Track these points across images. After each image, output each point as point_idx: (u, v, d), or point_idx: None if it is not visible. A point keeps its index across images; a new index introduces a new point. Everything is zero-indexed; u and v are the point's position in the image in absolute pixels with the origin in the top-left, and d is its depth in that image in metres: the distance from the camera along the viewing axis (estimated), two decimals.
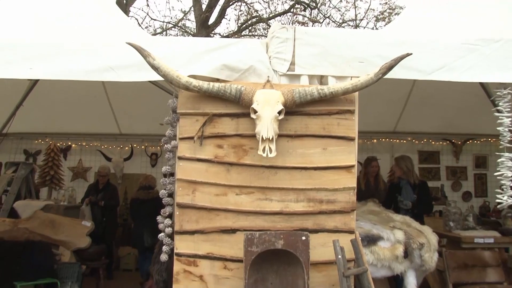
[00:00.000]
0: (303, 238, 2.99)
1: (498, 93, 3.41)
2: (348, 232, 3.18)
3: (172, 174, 3.28)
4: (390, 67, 3.09)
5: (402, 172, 5.77)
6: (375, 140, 7.89)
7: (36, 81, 6.82)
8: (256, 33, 15.21)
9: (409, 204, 5.51)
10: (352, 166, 3.23)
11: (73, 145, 8.90)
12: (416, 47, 3.23)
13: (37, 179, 7.11)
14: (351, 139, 3.24)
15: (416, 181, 5.75)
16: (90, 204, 7.11)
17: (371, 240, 3.64)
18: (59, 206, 6.31)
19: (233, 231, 3.11)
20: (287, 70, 3.32)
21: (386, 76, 3.13)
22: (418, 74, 3.31)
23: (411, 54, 3.09)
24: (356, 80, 3.14)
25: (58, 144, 7.78)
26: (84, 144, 8.90)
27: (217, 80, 3.19)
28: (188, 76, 3.09)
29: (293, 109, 3.15)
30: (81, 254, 5.82)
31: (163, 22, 15.74)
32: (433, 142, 8.08)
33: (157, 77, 3.11)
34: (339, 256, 2.93)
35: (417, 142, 7.99)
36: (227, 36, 14.41)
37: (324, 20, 14.88)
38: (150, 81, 3.63)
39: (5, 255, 4.99)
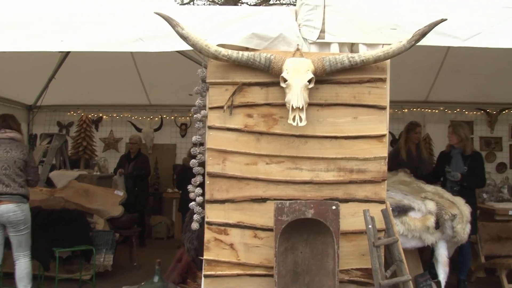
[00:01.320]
0: (333, 207, 2.99)
1: None
2: (378, 202, 3.16)
3: (202, 144, 3.30)
4: (423, 34, 2.99)
5: (459, 140, 5.17)
6: (405, 110, 7.74)
7: (67, 53, 6.92)
8: (284, 1, 14.94)
9: (457, 176, 4.95)
10: (383, 136, 3.19)
11: (104, 117, 9.06)
12: (452, 12, 3.11)
13: (70, 150, 7.27)
14: (383, 108, 3.19)
15: (470, 151, 5.19)
16: (122, 174, 7.26)
17: (401, 210, 3.61)
18: (92, 176, 6.46)
19: (263, 200, 3.13)
20: (317, 38, 3.27)
21: (419, 43, 3.05)
22: (453, 41, 3.21)
23: (446, 19, 2.99)
24: (388, 47, 3.07)
25: (90, 115, 7.91)
26: (115, 115, 9.04)
27: (246, 49, 3.16)
28: (217, 45, 3.07)
29: (323, 77, 3.11)
30: (114, 222, 5.97)
31: None
32: (466, 112, 7.87)
33: (186, 47, 3.11)
34: (369, 226, 2.93)
35: (449, 111, 7.80)
36: (255, 5, 14.21)
37: None
38: (178, 51, 3.63)
39: (43, 222, 5.18)
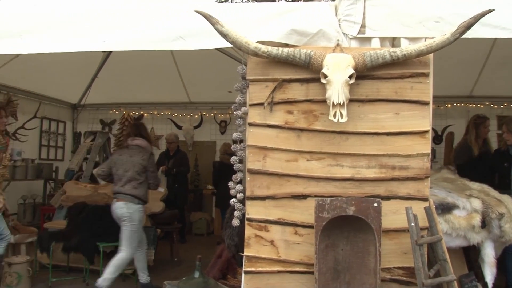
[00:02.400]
0: (375, 204, 2.95)
1: None
2: (421, 199, 3.09)
3: (242, 141, 3.31)
4: (469, 26, 2.90)
5: None
6: (449, 105, 7.55)
7: (109, 53, 7.09)
8: None
9: None
10: (426, 132, 3.11)
11: (145, 114, 9.24)
12: (499, 2, 3.00)
13: (113, 147, 7.45)
14: (425, 103, 3.11)
15: None
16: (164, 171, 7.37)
17: (445, 208, 3.51)
18: None
19: (304, 197, 3.12)
20: (358, 33, 3.22)
21: (464, 36, 2.95)
22: (501, 32, 3.09)
23: (493, 10, 2.88)
24: (431, 41, 2.99)
25: (131, 113, 8.08)
26: (155, 113, 9.22)
27: (286, 45, 3.15)
28: (257, 42, 3.07)
29: (364, 73, 3.06)
30: (156, 218, 6.08)
31: None
32: None
33: (225, 44, 3.12)
34: (412, 224, 2.87)
35: (496, 106, 7.53)
36: (293, 1, 14.14)
37: None
38: (217, 49, 3.65)
39: (88, 217, 5.33)
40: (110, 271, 4.59)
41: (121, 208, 4.68)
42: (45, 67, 6.70)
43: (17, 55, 5.81)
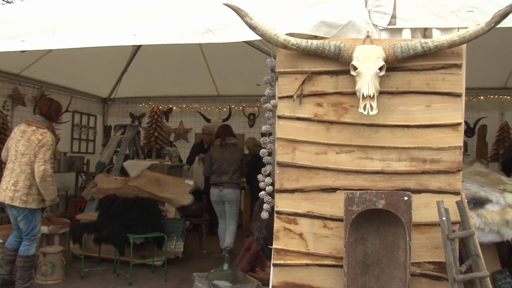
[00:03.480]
0: (405, 198, 2.91)
1: None
2: (453, 193, 3.04)
3: (271, 134, 3.31)
4: (505, 14, 2.81)
5: None
6: (482, 97, 7.38)
7: (139, 47, 7.17)
8: None
9: None
10: (459, 124, 3.05)
11: (174, 108, 9.35)
12: None
13: (143, 140, 7.55)
14: (458, 95, 3.05)
15: None
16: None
17: (478, 202, 3.45)
18: (163, 166, 6.66)
19: (333, 190, 3.10)
20: (388, 24, 3.17)
21: (499, 25, 2.86)
22: None
23: None
24: (464, 31, 2.92)
25: (160, 106, 8.16)
26: (184, 106, 9.30)
27: (315, 37, 3.12)
28: (286, 34, 3.05)
29: (394, 64, 3.02)
30: (185, 211, 6.14)
31: None
32: None
33: (254, 37, 3.12)
34: (443, 218, 2.81)
35: None
36: None
37: None
38: (245, 42, 3.65)
39: (119, 209, 5.42)
40: (230, 240, 5.94)
41: (230, 194, 5.92)
42: (76, 62, 6.84)
43: (50, 51, 5.95)
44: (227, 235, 6.03)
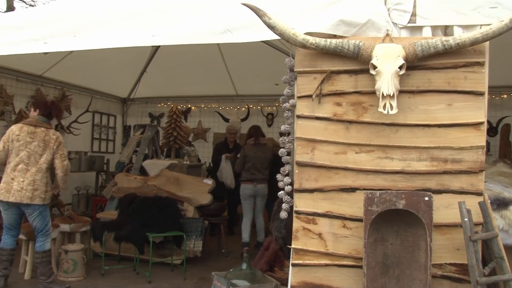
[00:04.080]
0: (426, 198, 2.87)
1: None
2: (475, 194, 2.99)
3: (289, 133, 3.30)
4: None
5: None
6: (505, 95, 7.22)
7: (157, 47, 7.23)
8: None
9: None
10: (481, 123, 3.00)
11: (193, 108, 9.39)
12: None
13: (162, 140, 7.59)
14: (480, 94, 3.00)
15: None
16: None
17: (501, 203, 3.38)
18: (182, 165, 6.69)
19: (352, 189, 3.08)
20: (408, 22, 3.14)
21: None
22: None
23: None
24: (487, 28, 2.87)
25: (179, 106, 8.20)
26: (202, 106, 9.34)
27: (334, 36, 3.11)
28: (304, 33, 3.04)
29: (415, 63, 2.98)
30: (203, 210, 6.17)
31: None
32: None
33: (273, 36, 3.11)
34: (466, 219, 2.77)
35: None
36: None
37: None
38: (264, 41, 3.65)
39: (138, 208, 5.47)
40: (262, 235, 6.35)
41: (263, 189, 6.42)
42: (96, 63, 6.92)
43: (70, 52, 6.02)
44: (259, 230, 6.50)
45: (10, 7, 14.64)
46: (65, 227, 5.36)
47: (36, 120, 4.65)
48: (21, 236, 4.94)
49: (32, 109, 4.80)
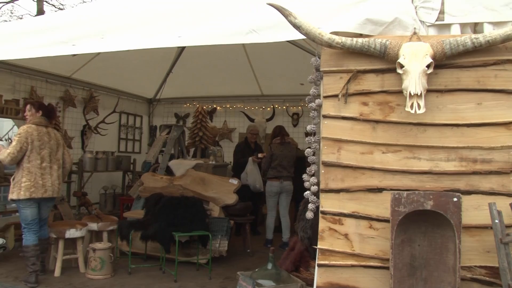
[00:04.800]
0: (455, 199, 2.82)
1: None
2: (506, 195, 2.93)
3: (315, 133, 3.29)
4: None
5: None
6: None
7: (183, 48, 7.28)
8: None
9: None
10: None
11: (218, 108, 9.42)
12: None
13: (187, 140, 7.64)
14: (511, 92, 2.93)
15: None
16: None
17: None
18: (208, 165, 6.72)
19: (379, 190, 3.05)
20: (436, 20, 3.11)
21: None
22: None
23: None
24: None
25: (205, 107, 8.25)
26: (228, 106, 9.36)
27: (360, 35, 3.08)
28: (330, 32, 3.03)
29: (443, 61, 2.94)
30: (229, 210, 6.18)
31: None
32: None
33: (299, 36, 3.11)
34: (496, 221, 2.72)
35: None
36: None
37: None
38: (289, 41, 3.64)
39: (164, 208, 5.52)
40: (288, 234, 6.58)
41: (289, 185, 6.70)
42: (123, 64, 7.01)
43: (98, 54, 6.13)
44: (285, 228, 6.71)
45: (40, 11, 14.98)
46: (93, 225, 5.46)
47: (44, 121, 4.87)
48: (51, 234, 5.06)
49: (33, 110, 4.87)
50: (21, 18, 15.99)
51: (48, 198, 4.81)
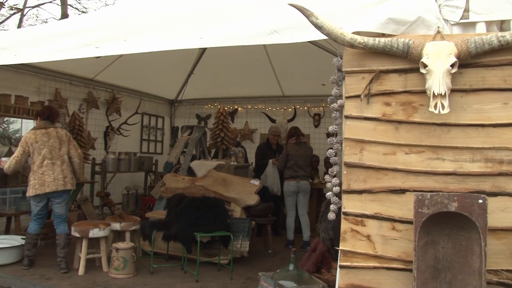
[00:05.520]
0: (480, 201, 2.76)
1: None
2: None
3: (337, 134, 3.27)
4: None
5: None
6: None
7: (204, 50, 7.32)
8: None
9: None
10: None
11: (239, 108, 9.45)
12: None
13: (209, 141, 7.68)
14: None
15: None
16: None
17: None
18: (229, 166, 6.73)
19: (402, 191, 3.00)
20: (460, 18, 3.04)
21: None
22: None
23: None
24: None
25: (226, 107, 8.29)
26: (249, 107, 9.38)
27: (383, 35, 3.05)
28: (352, 32, 3.00)
29: (468, 61, 2.88)
30: (250, 210, 6.18)
31: None
32: None
33: (320, 36, 3.08)
34: None
35: None
36: None
37: None
38: (310, 41, 3.63)
39: (186, 208, 5.55)
40: (308, 233, 6.73)
41: (306, 185, 6.88)
42: (145, 66, 7.09)
43: (120, 56, 6.20)
44: (304, 228, 6.78)
45: (64, 15, 15.27)
46: (116, 225, 5.52)
47: (43, 124, 5.30)
48: (74, 233, 5.16)
49: (36, 120, 5.45)
50: (46, 22, 16.33)
51: (54, 194, 5.13)
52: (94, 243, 5.31)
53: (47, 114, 5.40)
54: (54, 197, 5.19)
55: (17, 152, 5.18)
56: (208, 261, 5.59)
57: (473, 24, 3.04)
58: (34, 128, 5.31)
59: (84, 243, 5.11)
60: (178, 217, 5.53)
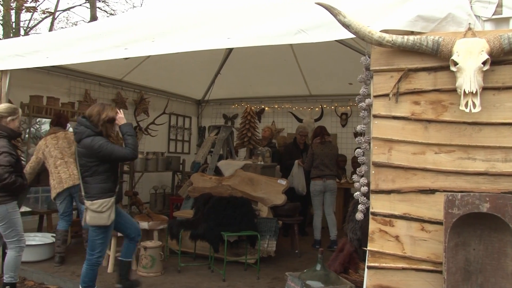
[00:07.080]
0: None
1: None
2: None
3: (364, 133, 3.23)
4: None
5: None
6: None
7: (231, 50, 7.35)
8: None
9: None
10: None
11: (266, 108, 9.45)
12: None
13: (236, 141, 7.71)
14: None
15: None
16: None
17: None
18: (256, 165, 6.74)
19: (431, 191, 2.95)
20: (493, 14, 2.96)
21: None
22: None
23: None
24: None
25: (253, 107, 8.30)
26: (276, 106, 9.37)
27: (411, 33, 3.00)
28: (380, 31, 2.96)
29: (500, 57, 2.81)
30: (277, 210, 6.17)
31: None
32: None
33: (348, 35, 3.05)
34: None
35: None
36: None
37: None
38: (337, 40, 3.59)
39: (213, 208, 5.58)
40: (335, 232, 6.76)
41: (332, 184, 6.89)
42: (172, 66, 7.16)
43: (148, 57, 6.28)
44: (331, 226, 6.81)
45: (94, 17, 15.56)
46: (144, 224, 5.60)
47: (53, 130, 5.75)
48: None
49: (50, 127, 5.95)
50: (76, 25, 16.68)
51: (73, 188, 5.39)
52: (123, 241, 5.38)
53: (56, 121, 5.89)
54: (74, 192, 5.40)
55: (32, 159, 5.63)
56: (235, 260, 5.62)
57: (506, 20, 2.96)
58: (45, 135, 5.78)
59: (113, 242, 5.20)
60: (206, 217, 5.57)
